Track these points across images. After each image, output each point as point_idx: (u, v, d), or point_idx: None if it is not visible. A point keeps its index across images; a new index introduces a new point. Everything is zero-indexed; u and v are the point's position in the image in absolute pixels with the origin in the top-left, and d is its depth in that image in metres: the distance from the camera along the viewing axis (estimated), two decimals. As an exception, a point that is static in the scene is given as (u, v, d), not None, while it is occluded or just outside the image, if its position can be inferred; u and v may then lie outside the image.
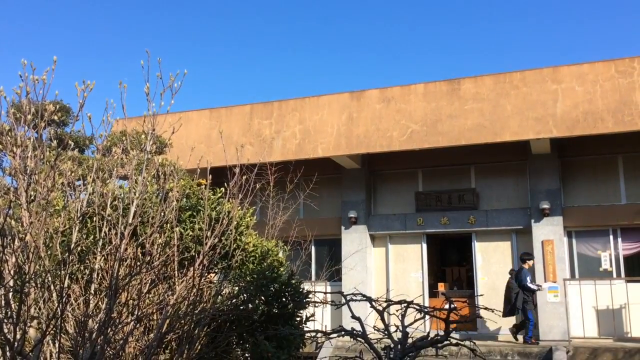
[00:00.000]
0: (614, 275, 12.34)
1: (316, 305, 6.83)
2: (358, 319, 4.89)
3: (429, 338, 4.60)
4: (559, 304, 12.12)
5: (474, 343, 4.68)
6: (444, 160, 13.88)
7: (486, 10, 39.60)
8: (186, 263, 5.59)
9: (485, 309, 5.03)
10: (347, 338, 4.93)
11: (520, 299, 11.48)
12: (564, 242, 12.65)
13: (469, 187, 13.85)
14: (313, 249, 14.51)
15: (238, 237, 6.20)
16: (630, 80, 11.18)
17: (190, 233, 5.87)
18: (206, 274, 5.71)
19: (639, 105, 11.00)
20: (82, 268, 5.20)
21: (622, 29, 36.94)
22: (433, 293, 13.96)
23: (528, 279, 11.65)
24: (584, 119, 11.31)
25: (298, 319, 6.55)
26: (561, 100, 11.53)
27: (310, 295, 6.69)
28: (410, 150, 12.73)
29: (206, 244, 5.07)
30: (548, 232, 12.61)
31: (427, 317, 5.04)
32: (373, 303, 5.06)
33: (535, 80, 11.80)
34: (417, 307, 4.85)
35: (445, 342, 4.51)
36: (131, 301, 4.82)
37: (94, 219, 5.17)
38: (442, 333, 4.61)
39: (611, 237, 12.61)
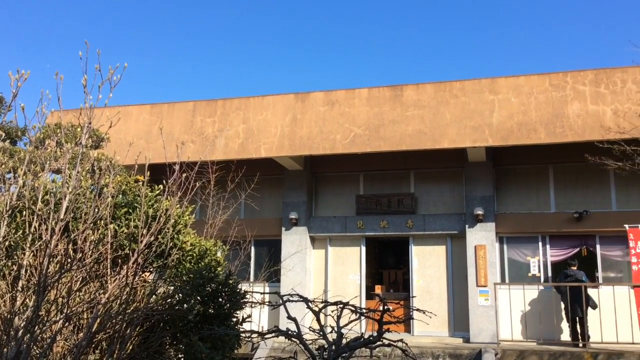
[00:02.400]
0: (542, 280, 12.87)
1: (253, 305, 6.81)
2: (294, 320, 4.93)
3: (363, 339, 4.69)
4: (489, 307, 12.54)
5: (406, 344, 4.79)
6: (385, 164, 14.13)
7: (430, 17, 40.55)
8: (120, 261, 5.47)
9: (419, 310, 5.17)
10: (283, 339, 4.96)
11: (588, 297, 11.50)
12: (495, 247, 13.10)
13: (408, 191, 14.14)
14: (253, 249, 14.46)
15: (175, 236, 6.11)
16: (562, 93, 11.71)
17: (125, 230, 5.74)
18: (141, 273, 5.61)
19: (570, 118, 11.53)
20: (9, 264, 5.01)
21: (560, 40, 38.61)
22: (370, 295, 14.17)
23: None
24: (518, 130, 11.77)
25: (234, 319, 6.51)
26: (497, 110, 11.95)
27: (247, 296, 6.67)
28: (353, 153, 12.89)
29: (141, 242, 4.98)
30: (481, 237, 13.03)
31: (364, 318, 5.13)
32: (309, 304, 5.11)
33: (473, 90, 12.19)
34: (352, 309, 4.94)
35: (378, 343, 4.60)
36: (60, 299, 4.68)
37: (24, 213, 4.99)
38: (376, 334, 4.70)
39: (540, 243, 13.16)
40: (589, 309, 11.53)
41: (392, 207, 14.01)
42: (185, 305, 6.04)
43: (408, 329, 13.33)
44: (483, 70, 41.61)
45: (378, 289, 14.38)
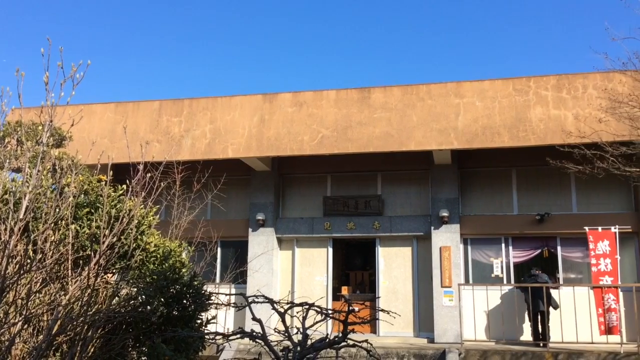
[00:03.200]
0: (505, 281, 13.11)
1: (218, 307, 6.75)
2: (259, 321, 4.91)
3: (328, 340, 4.69)
4: (453, 307, 12.72)
5: (371, 344, 4.82)
6: (352, 166, 14.20)
7: (398, 20, 40.93)
8: (81, 262, 5.37)
9: (384, 311, 5.20)
10: (248, 340, 4.93)
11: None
12: (460, 248, 13.29)
13: (375, 193, 14.23)
14: (219, 250, 14.36)
15: (139, 237, 6.02)
16: (526, 98, 11.95)
17: (87, 231, 5.64)
18: (103, 274, 5.51)
19: (532, 122, 11.78)
20: (-35, 265, 4.86)
21: (524, 44, 39.41)
22: (337, 296, 14.21)
23: None
24: (483, 133, 11.97)
25: (199, 321, 6.45)
26: (462, 114, 12.13)
27: (212, 297, 6.61)
28: (321, 155, 12.92)
29: (104, 242, 4.90)
30: (446, 239, 13.21)
31: (330, 320, 5.15)
32: (275, 305, 5.09)
33: (439, 93, 12.35)
34: (318, 310, 4.94)
35: (343, 344, 4.61)
36: (20, 300, 4.57)
37: (-19, 213, 4.85)
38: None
39: (503, 245, 13.41)
40: (551, 308, 11.81)
41: (359, 209, 14.09)
42: (148, 307, 5.96)
43: (374, 330, 13.41)
44: (449, 74, 42.19)
45: (345, 290, 14.44)
